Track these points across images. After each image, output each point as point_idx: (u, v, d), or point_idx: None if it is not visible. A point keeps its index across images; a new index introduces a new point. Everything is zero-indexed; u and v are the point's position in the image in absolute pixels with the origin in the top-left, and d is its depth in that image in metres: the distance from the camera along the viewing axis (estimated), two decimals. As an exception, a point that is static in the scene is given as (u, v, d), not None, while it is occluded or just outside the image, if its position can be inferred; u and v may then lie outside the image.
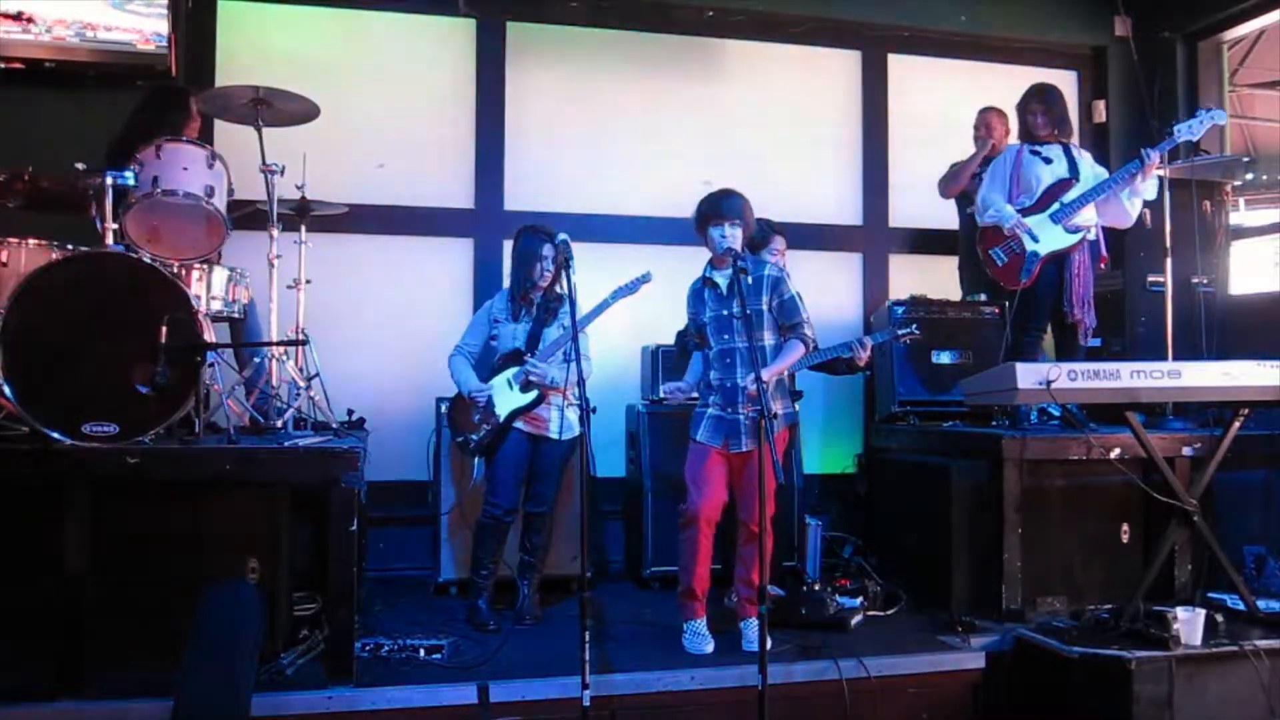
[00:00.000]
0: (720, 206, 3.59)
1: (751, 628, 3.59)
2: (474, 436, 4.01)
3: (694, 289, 3.78)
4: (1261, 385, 3.59)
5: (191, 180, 3.48)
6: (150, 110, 4.05)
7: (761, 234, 4.30)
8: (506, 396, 3.98)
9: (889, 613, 4.12)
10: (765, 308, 3.60)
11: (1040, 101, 4.47)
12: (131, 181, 3.38)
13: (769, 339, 3.62)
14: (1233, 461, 3.83)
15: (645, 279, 4.01)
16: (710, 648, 3.57)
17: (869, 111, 5.84)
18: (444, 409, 4.34)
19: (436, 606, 4.21)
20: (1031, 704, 3.58)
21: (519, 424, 3.97)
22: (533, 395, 3.94)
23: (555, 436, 4.02)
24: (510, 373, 3.99)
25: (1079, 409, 4.10)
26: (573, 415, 4.03)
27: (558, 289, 4.06)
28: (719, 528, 3.64)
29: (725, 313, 3.61)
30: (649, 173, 5.47)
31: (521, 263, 4.06)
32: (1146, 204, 4.49)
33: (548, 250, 3.98)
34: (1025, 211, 4.37)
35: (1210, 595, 3.90)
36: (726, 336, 3.62)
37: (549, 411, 4.00)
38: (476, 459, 4.15)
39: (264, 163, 3.78)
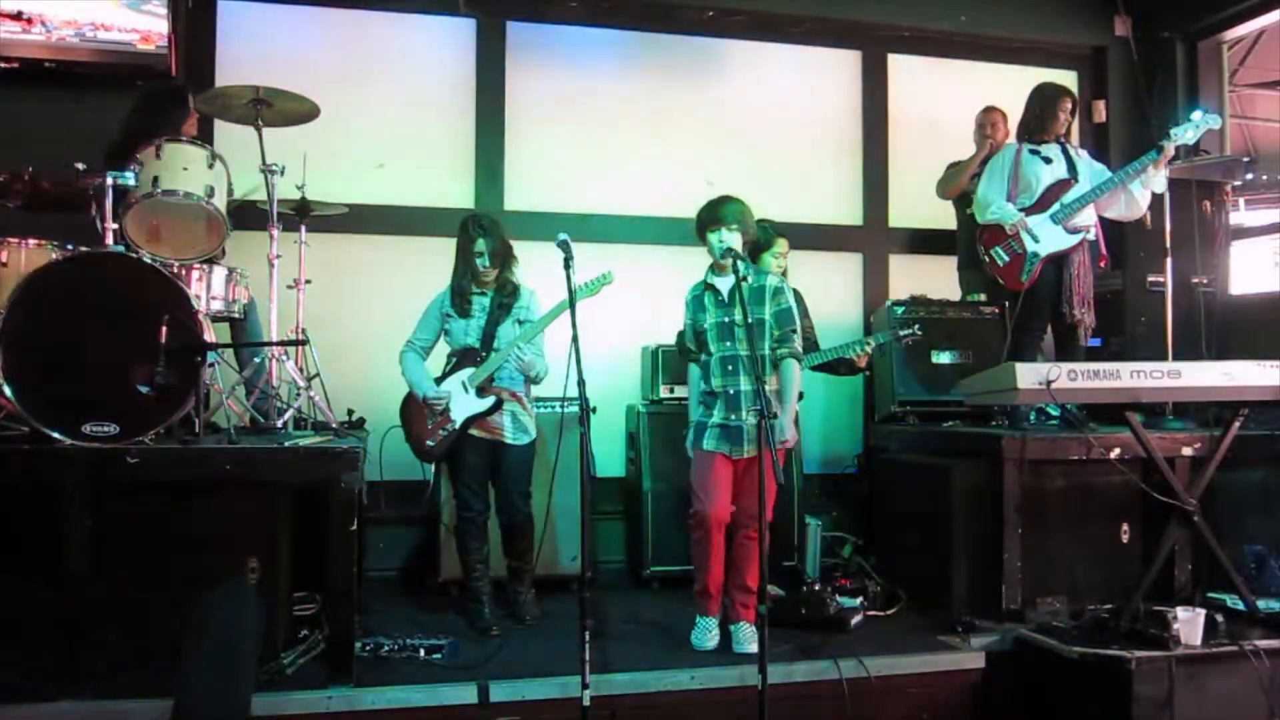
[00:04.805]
0: (718, 212, 3.61)
1: (742, 630, 3.61)
2: (430, 443, 3.91)
3: (694, 295, 3.77)
4: (1261, 385, 3.59)
5: (191, 180, 3.48)
6: (150, 110, 4.02)
7: (765, 236, 4.30)
8: (462, 401, 3.87)
9: (889, 613, 4.12)
10: (767, 316, 3.61)
11: (1073, 102, 4.52)
12: (131, 181, 3.38)
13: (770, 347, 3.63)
14: (1233, 461, 3.82)
15: (605, 280, 3.82)
16: (712, 644, 3.60)
17: (869, 111, 5.84)
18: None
19: (436, 606, 4.21)
20: (1031, 704, 3.58)
21: (473, 430, 3.88)
22: (490, 401, 3.85)
23: (511, 441, 3.92)
24: (465, 374, 3.88)
25: (1079, 409, 4.10)
26: (526, 419, 3.97)
27: (510, 279, 3.98)
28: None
29: (727, 320, 3.62)
30: (649, 173, 5.47)
31: (460, 258, 3.93)
32: (1161, 192, 4.48)
33: (482, 245, 3.85)
34: (1026, 212, 4.37)
35: (1210, 595, 3.89)
36: (728, 344, 3.62)
37: (502, 417, 3.89)
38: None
39: (264, 163, 3.78)
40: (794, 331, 3.59)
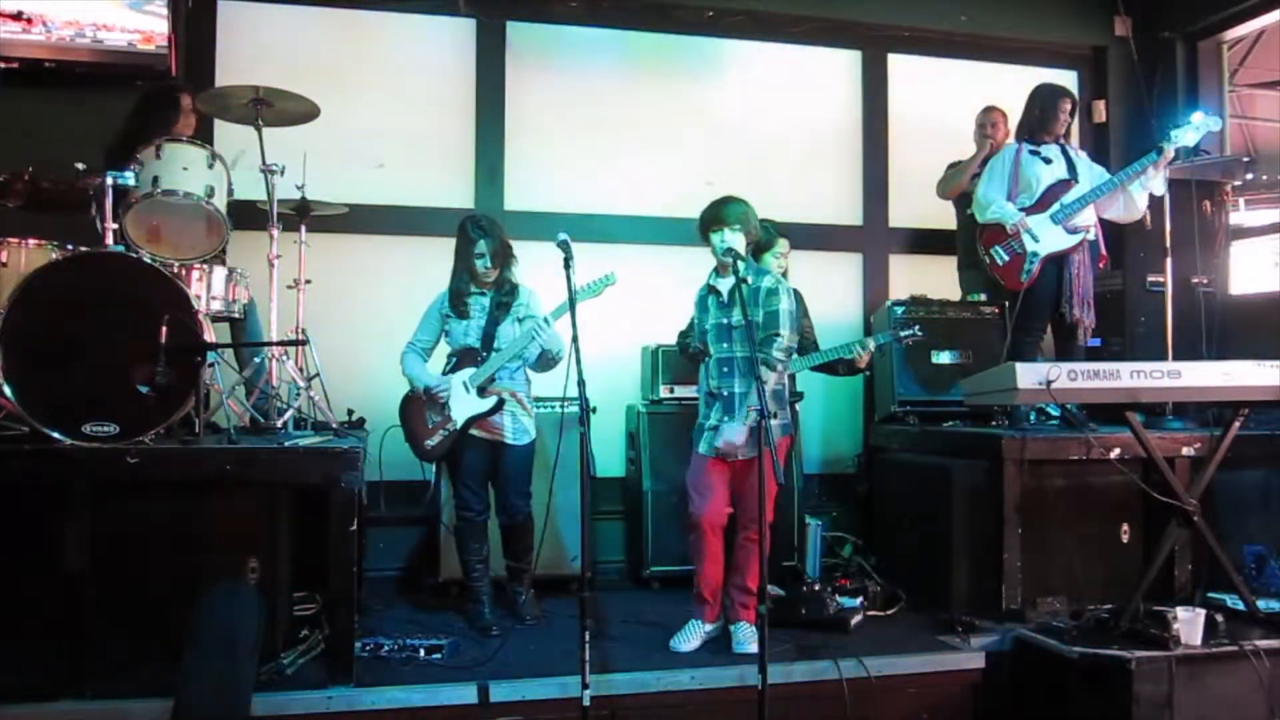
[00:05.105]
0: (721, 212, 3.61)
1: (742, 630, 3.61)
2: (430, 442, 3.91)
3: (699, 296, 3.80)
4: (1261, 385, 3.59)
5: (191, 180, 3.48)
6: (143, 111, 4.05)
7: (766, 236, 4.29)
8: (463, 400, 3.87)
9: (889, 613, 4.12)
10: (759, 317, 3.55)
11: (1072, 103, 4.52)
12: (131, 181, 3.38)
13: None
14: (1233, 461, 3.82)
15: (608, 281, 3.81)
16: (688, 647, 3.60)
17: (869, 111, 5.84)
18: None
19: (436, 606, 4.22)
20: (1031, 704, 3.58)
21: (473, 430, 3.88)
22: (492, 401, 3.84)
23: (511, 441, 3.91)
24: (466, 374, 3.88)
25: (1079, 409, 4.10)
26: (527, 419, 3.96)
27: (509, 278, 3.97)
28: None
29: (725, 321, 3.63)
30: (649, 173, 5.46)
31: (459, 259, 3.93)
32: (1160, 195, 4.48)
33: (483, 246, 3.85)
34: (1026, 212, 4.37)
35: (1210, 595, 3.89)
36: (725, 345, 3.63)
37: (502, 418, 3.89)
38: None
39: (264, 163, 3.78)
40: (776, 335, 3.52)
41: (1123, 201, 4.37)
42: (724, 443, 3.55)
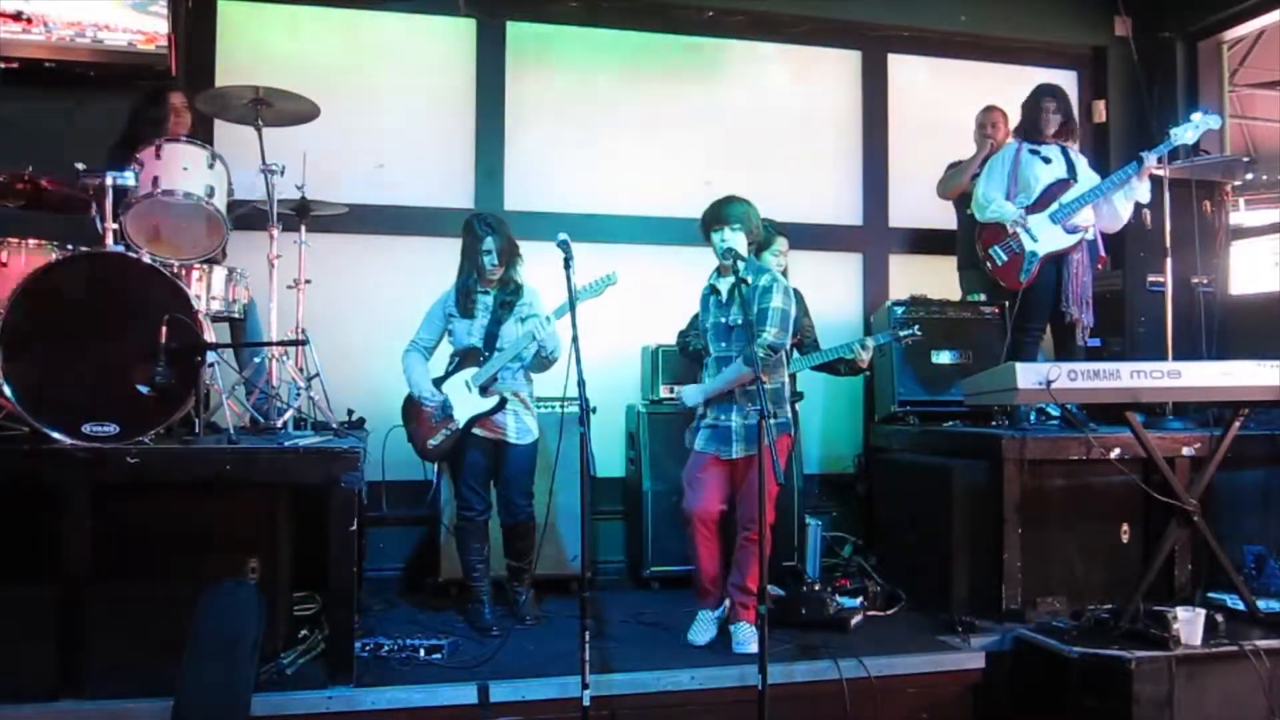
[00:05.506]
0: (722, 212, 3.61)
1: (742, 630, 3.60)
2: (433, 442, 3.91)
3: (702, 296, 3.80)
4: (1261, 385, 3.59)
5: (191, 180, 3.49)
6: (137, 112, 4.07)
7: (765, 235, 4.28)
8: (466, 400, 3.87)
9: (889, 613, 4.12)
10: (753, 316, 3.52)
11: (1054, 100, 4.50)
12: (131, 181, 3.38)
13: None
14: (1233, 461, 3.83)
15: (609, 281, 3.83)
16: (704, 639, 3.63)
17: (869, 111, 5.84)
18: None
19: (436, 606, 4.21)
20: (1031, 704, 3.58)
21: (476, 429, 3.88)
22: (494, 401, 3.84)
23: (514, 441, 3.92)
24: (469, 374, 3.88)
25: (1079, 409, 4.10)
26: (529, 419, 3.97)
27: (514, 277, 3.98)
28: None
29: (724, 320, 3.63)
30: (649, 173, 5.46)
31: (466, 258, 3.93)
32: (1147, 204, 4.49)
33: (491, 243, 3.85)
34: (1025, 211, 4.37)
35: (1210, 595, 3.90)
36: (724, 344, 3.63)
37: (505, 417, 3.89)
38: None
39: (264, 163, 3.78)
40: (761, 332, 3.49)
41: (1106, 212, 4.39)
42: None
